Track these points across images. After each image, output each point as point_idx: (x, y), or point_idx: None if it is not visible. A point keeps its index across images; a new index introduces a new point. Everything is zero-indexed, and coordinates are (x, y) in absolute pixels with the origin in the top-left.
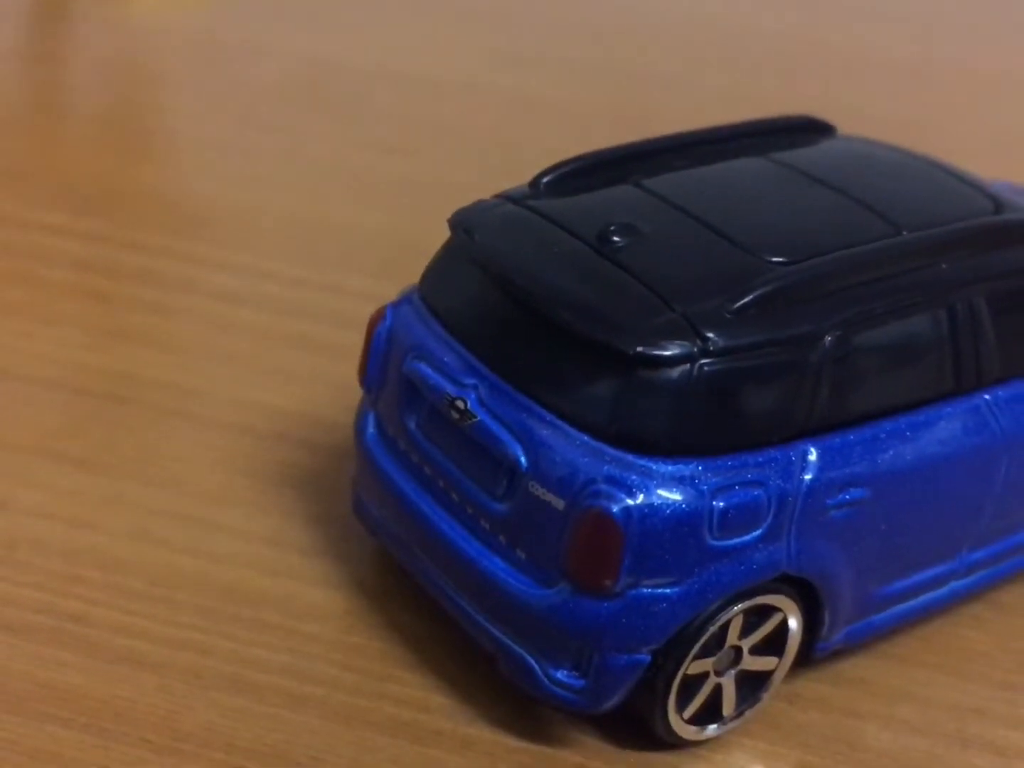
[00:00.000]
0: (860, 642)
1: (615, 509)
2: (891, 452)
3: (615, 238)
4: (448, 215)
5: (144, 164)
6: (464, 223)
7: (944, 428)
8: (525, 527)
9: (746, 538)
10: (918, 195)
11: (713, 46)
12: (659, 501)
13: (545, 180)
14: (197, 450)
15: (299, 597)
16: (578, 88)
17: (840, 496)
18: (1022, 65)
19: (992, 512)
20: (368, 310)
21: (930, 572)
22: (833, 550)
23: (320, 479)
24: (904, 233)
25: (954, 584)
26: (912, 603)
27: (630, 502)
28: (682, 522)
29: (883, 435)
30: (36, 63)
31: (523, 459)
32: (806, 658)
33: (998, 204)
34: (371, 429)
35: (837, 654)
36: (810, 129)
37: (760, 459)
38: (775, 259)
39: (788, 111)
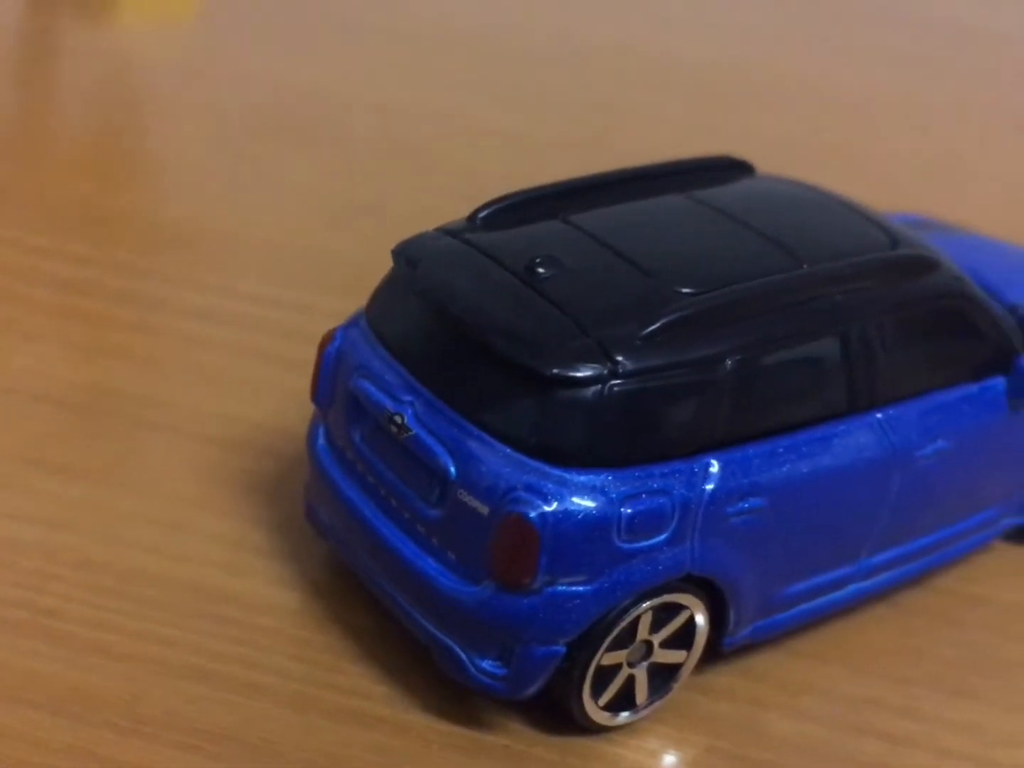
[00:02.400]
0: (766, 638)
1: (532, 515)
2: (787, 465)
3: (540, 269)
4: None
5: (126, 187)
6: (405, 254)
7: (838, 443)
8: (455, 531)
9: (652, 541)
10: (821, 231)
11: (677, 79)
12: (572, 507)
13: (481, 215)
14: (168, 458)
15: (257, 594)
16: (544, 118)
17: (739, 504)
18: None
19: (888, 520)
20: (331, 327)
21: (831, 575)
22: (734, 553)
23: (281, 485)
24: (804, 266)
25: (855, 586)
26: (815, 603)
27: (546, 508)
28: (593, 526)
29: (781, 449)
30: (20, 87)
31: (453, 469)
32: (715, 652)
33: (894, 240)
34: (321, 441)
35: (748, 649)
36: (730, 168)
37: (666, 470)
38: (684, 289)
39: (742, 142)
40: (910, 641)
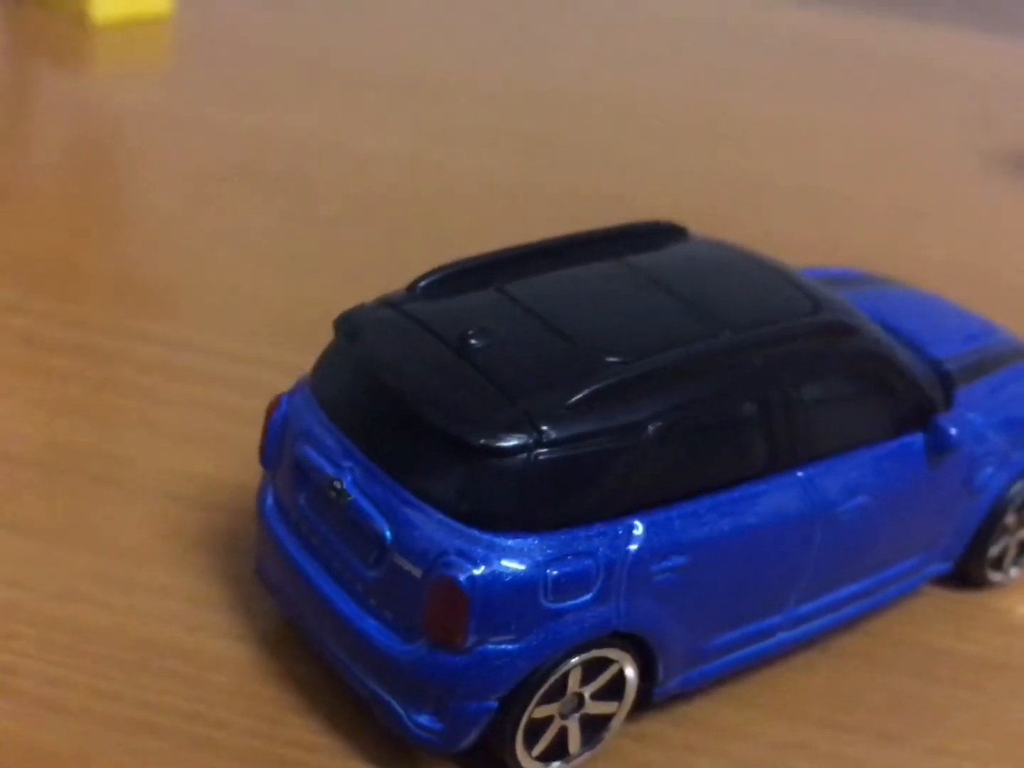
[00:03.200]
0: (696, 687)
1: (462, 578)
2: (709, 525)
3: (472, 341)
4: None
5: (93, 241)
6: (345, 326)
7: (760, 502)
8: (391, 592)
9: (578, 601)
10: (744, 297)
11: (645, 121)
12: (500, 570)
13: (421, 285)
14: (123, 514)
15: (207, 649)
16: (512, 163)
17: (663, 563)
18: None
19: (813, 572)
20: (289, 382)
21: (758, 625)
22: (660, 609)
23: (233, 540)
24: (727, 333)
25: (783, 635)
26: (743, 652)
27: (475, 571)
28: (520, 588)
29: (703, 510)
30: None
31: (388, 533)
32: (646, 701)
33: (816, 304)
34: (269, 502)
35: (681, 696)
36: (664, 233)
37: (591, 533)
38: (609, 358)
39: (704, 183)
40: (838, 685)
